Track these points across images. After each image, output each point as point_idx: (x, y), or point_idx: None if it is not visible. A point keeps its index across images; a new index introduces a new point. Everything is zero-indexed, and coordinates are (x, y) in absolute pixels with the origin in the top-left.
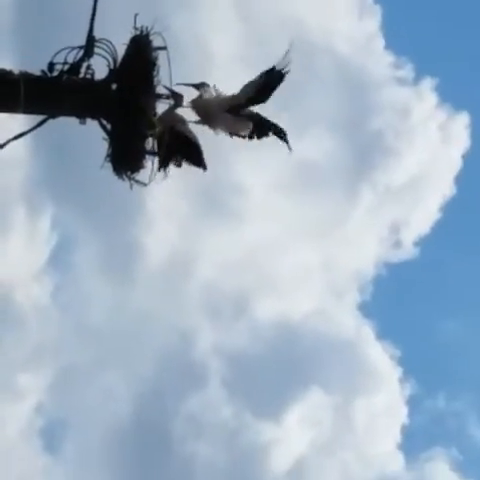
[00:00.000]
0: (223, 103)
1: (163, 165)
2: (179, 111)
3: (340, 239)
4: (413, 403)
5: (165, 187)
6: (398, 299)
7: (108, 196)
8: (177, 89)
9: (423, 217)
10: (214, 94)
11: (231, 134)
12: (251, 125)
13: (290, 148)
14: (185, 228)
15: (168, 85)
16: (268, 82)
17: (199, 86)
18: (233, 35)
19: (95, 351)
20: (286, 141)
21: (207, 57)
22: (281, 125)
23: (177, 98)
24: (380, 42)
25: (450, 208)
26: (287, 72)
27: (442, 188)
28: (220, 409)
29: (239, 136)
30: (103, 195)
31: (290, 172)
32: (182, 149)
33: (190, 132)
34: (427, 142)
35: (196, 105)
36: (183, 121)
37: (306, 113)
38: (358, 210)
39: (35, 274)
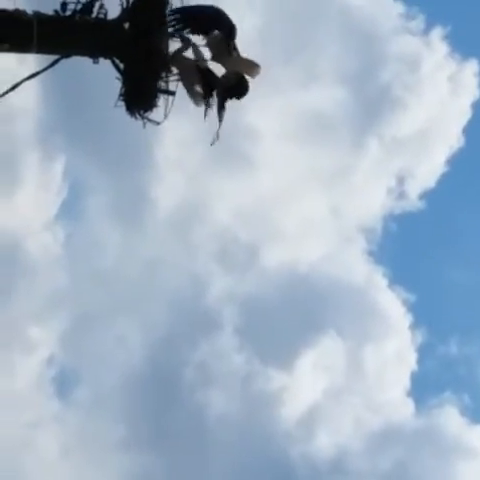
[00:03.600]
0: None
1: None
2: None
3: (348, 188)
4: (423, 350)
5: (177, 133)
6: (406, 248)
7: (121, 142)
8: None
9: (429, 169)
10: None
11: (242, 73)
12: (260, 68)
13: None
14: (196, 175)
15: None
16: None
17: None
18: None
19: (107, 298)
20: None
21: None
22: (290, 73)
23: (185, 42)
24: None
25: (457, 160)
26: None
27: (450, 140)
28: (232, 356)
29: (250, 76)
30: (116, 141)
31: (299, 121)
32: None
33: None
34: (436, 93)
35: (211, 43)
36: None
37: (315, 63)
38: (365, 160)
39: (46, 223)
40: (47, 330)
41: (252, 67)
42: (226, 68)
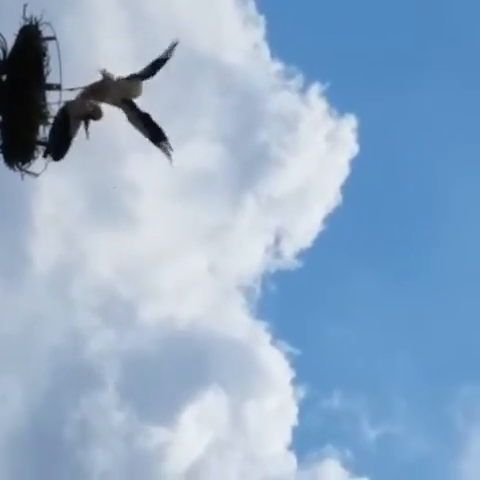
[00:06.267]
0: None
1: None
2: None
3: (226, 246)
4: (305, 404)
5: (55, 188)
6: (285, 305)
7: None
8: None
9: (306, 228)
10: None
11: (125, 98)
12: (142, 85)
13: (170, 160)
14: (75, 230)
15: (58, 74)
16: (156, 63)
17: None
18: (122, 33)
19: None
20: (167, 152)
21: (95, 50)
22: (168, 130)
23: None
24: (266, 51)
25: (335, 218)
26: (170, 57)
27: (327, 198)
28: (113, 413)
29: (133, 98)
30: None
31: (177, 178)
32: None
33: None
34: (313, 152)
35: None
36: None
37: (193, 121)
38: (243, 219)
39: None
40: None
41: (134, 85)
42: (110, 95)
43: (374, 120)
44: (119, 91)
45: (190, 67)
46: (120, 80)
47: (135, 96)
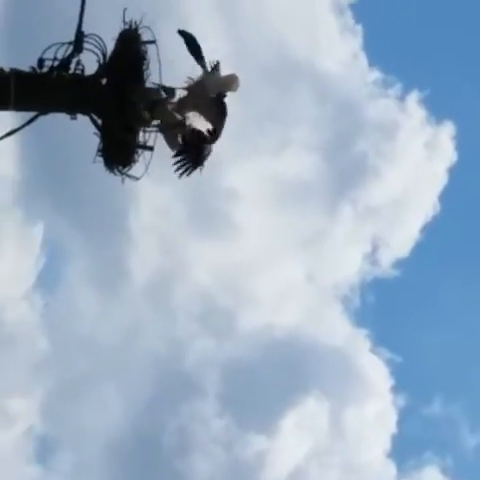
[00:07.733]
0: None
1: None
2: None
3: (323, 254)
4: (404, 411)
5: (154, 196)
6: (383, 313)
7: (100, 204)
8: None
9: (403, 238)
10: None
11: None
12: (238, 79)
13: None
14: (174, 238)
15: (157, 77)
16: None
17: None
18: (219, 37)
19: (88, 366)
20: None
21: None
22: (267, 138)
23: (169, 92)
24: (364, 60)
25: (432, 228)
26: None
27: (425, 207)
28: (214, 421)
29: (231, 90)
30: (94, 203)
31: (275, 186)
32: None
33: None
34: (411, 160)
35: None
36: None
37: (291, 129)
38: (339, 227)
39: (25, 292)
40: (28, 399)
41: (231, 80)
42: (206, 89)
43: (473, 127)
44: (217, 85)
45: (288, 76)
46: (216, 75)
47: (234, 90)
